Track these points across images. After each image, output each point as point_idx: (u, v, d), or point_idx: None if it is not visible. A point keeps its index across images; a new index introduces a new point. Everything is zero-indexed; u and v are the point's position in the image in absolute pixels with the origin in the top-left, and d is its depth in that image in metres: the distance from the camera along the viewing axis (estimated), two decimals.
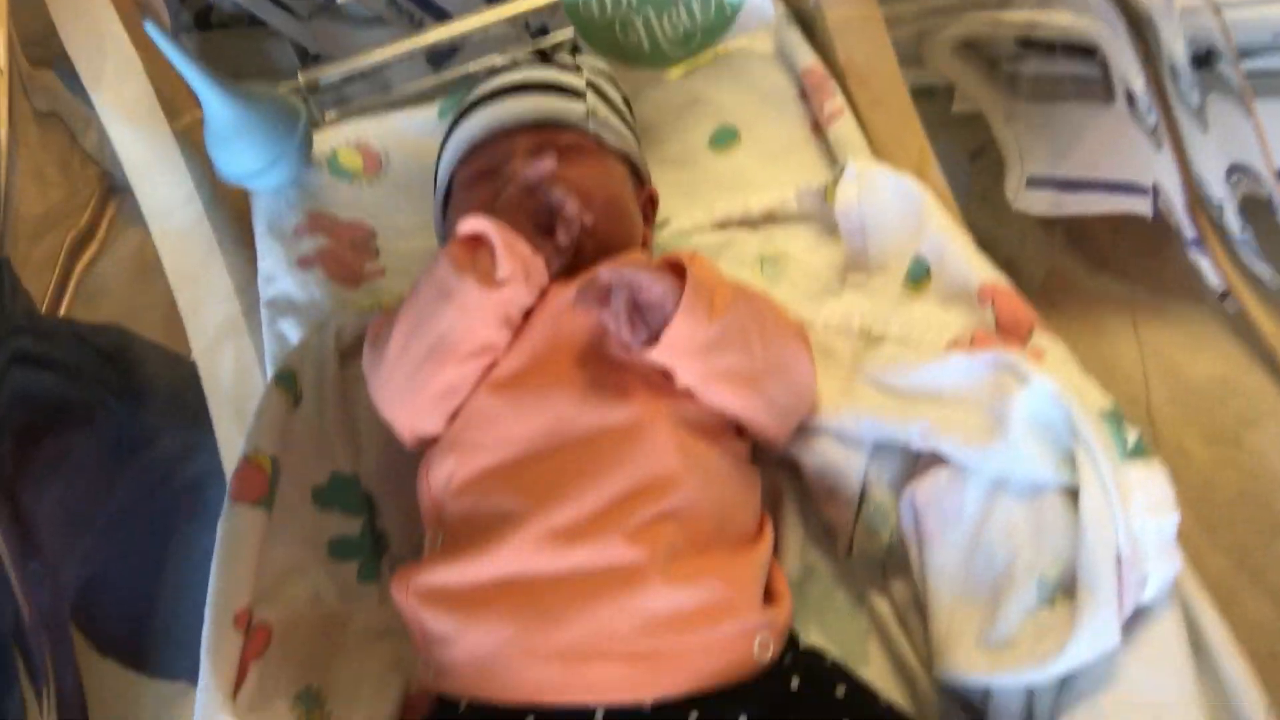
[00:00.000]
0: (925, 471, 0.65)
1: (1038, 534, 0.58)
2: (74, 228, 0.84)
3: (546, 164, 0.69)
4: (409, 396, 0.63)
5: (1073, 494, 0.57)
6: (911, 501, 0.65)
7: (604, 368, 0.62)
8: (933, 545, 0.63)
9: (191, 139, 0.89)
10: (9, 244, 0.78)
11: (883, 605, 0.67)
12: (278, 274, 0.85)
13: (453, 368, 0.62)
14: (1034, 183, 0.81)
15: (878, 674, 0.65)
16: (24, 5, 0.81)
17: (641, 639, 0.55)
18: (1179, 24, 0.64)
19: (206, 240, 0.86)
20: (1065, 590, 0.56)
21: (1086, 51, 0.73)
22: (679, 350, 0.59)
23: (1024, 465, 0.58)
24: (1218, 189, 0.63)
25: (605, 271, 0.59)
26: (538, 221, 0.67)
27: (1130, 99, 0.68)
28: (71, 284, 0.91)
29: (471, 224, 0.63)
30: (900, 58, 0.89)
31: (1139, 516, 0.53)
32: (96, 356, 0.80)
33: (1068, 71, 0.76)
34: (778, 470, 0.73)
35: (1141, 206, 0.67)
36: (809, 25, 1.00)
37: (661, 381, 0.63)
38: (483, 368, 0.63)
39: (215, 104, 0.80)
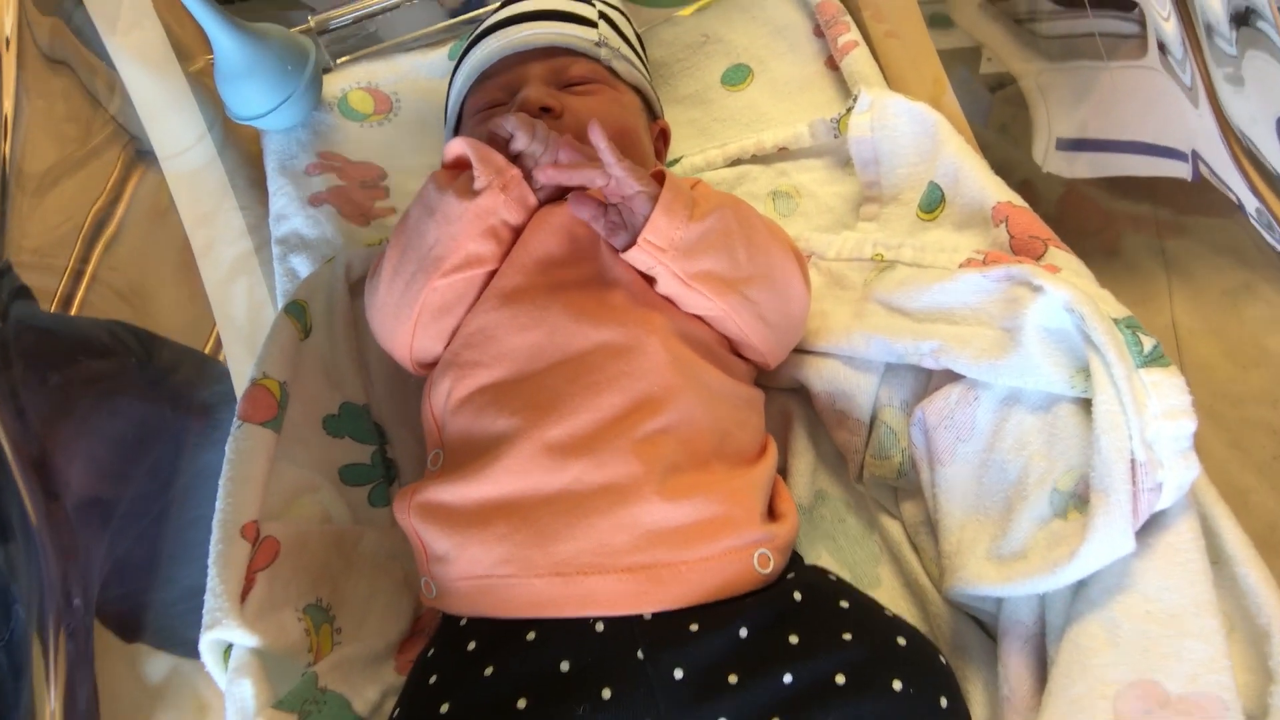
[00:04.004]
0: (936, 390, 0.64)
1: (1050, 445, 0.57)
2: (97, 194, 0.85)
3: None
4: (403, 313, 0.63)
5: (1087, 406, 0.56)
6: (922, 420, 0.64)
7: (600, 285, 0.62)
8: (944, 462, 0.62)
9: (204, 82, 0.89)
10: (14, 199, 0.77)
11: (894, 528, 0.66)
12: (289, 212, 0.85)
13: (440, 280, 0.62)
14: (1064, 144, 0.79)
15: (889, 596, 0.65)
16: None
17: (639, 552, 0.55)
18: None
19: (219, 180, 0.86)
20: (1079, 502, 0.55)
21: (1121, 5, 0.71)
22: (656, 248, 0.59)
23: (1037, 377, 0.57)
24: (1268, 142, 0.61)
25: (596, 131, 0.59)
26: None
27: (1163, 50, 0.65)
28: (98, 249, 0.91)
29: (452, 146, 0.64)
30: (927, 19, 0.87)
31: (1155, 422, 0.51)
32: (104, 350, 0.79)
33: (1100, 28, 0.74)
34: (787, 396, 0.73)
35: (1179, 170, 0.64)
36: None
37: (657, 298, 0.63)
38: (472, 281, 0.63)
39: (224, 42, 0.80)
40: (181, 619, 0.57)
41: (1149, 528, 0.52)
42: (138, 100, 0.85)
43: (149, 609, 0.68)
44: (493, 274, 0.65)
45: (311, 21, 0.94)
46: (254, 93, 0.84)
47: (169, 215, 0.88)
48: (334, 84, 0.94)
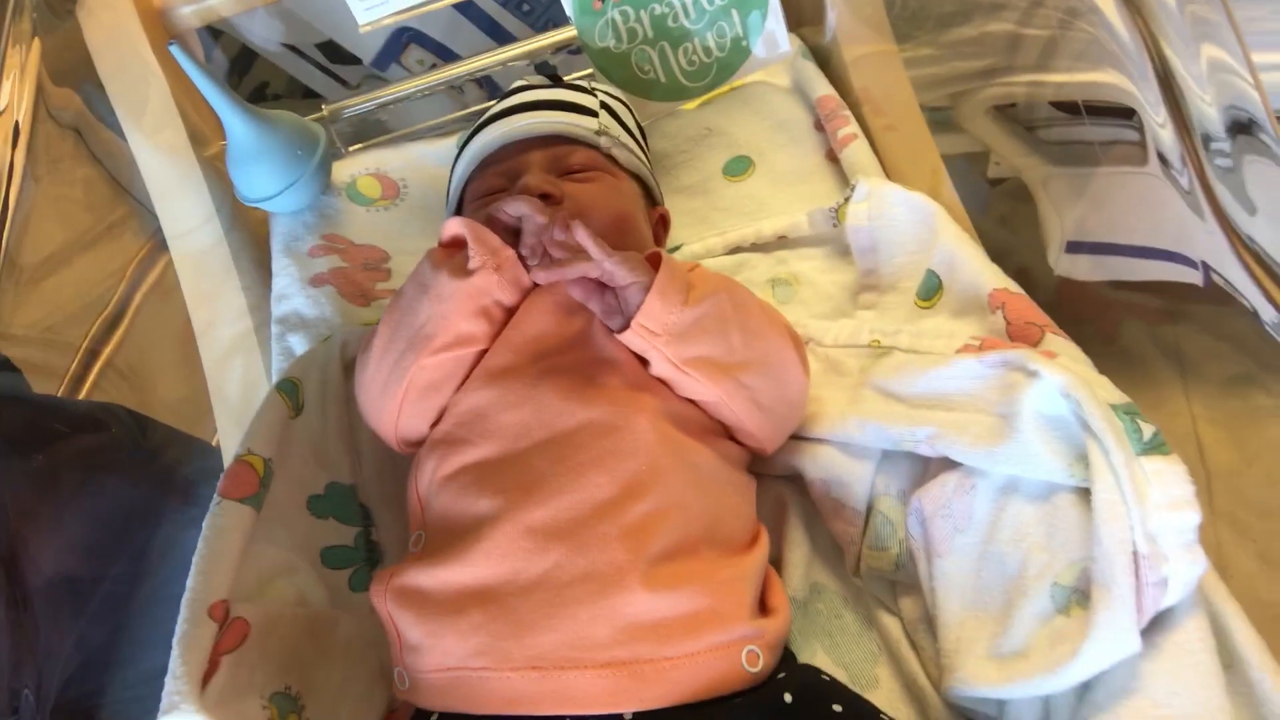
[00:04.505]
0: (933, 478, 0.62)
1: (1050, 537, 0.55)
2: (111, 274, 0.86)
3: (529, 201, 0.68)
4: (390, 390, 0.63)
5: (1088, 496, 0.54)
6: (919, 509, 0.61)
7: (592, 365, 0.61)
8: (941, 554, 0.60)
9: (217, 167, 0.91)
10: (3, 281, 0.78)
11: (893, 625, 0.63)
12: (290, 292, 0.86)
13: (429, 358, 0.61)
14: (1074, 247, 0.79)
15: (887, 699, 0.61)
16: (55, 30, 0.85)
17: (619, 647, 0.52)
18: (1210, 87, 0.62)
19: (223, 260, 0.87)
20: (1081, 598, 0.52)
21: (1122, 114, 0.72)
22: (650, 332, 0.59)
23: (1034, 464, 0.55)
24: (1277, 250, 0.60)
25: (580, 231, 0.59)
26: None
27: (1163, 160, 0.66)
28: (108, 328, 0.92)
29: (449, 226, 0.65)
30: (934, 124, 0.89)
31: (1157, 512, 0.49)
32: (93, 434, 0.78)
33: (1102, 135, 0.75)
34: (782, 484, 0.71)
35: (1189, 276, 0.64)
36: (825, 60, 1.01)
37: (650, 380, 0.62)
38: (461, 360, 0.63)
39: (236, 124, 0.83)
40: (139, 705, 0.55)
41: (1156, 627, 0.50)
42: (150, 182, 0.87)
43: (108, 696, 0.65)
44: (484, 353, 0.64)
45: (325, 109, 0.97)
46: (262, 176, 0.86)
47: (175, 294, 0.89)
48: (344, 170, 0.96)
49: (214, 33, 1.32)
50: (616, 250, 0.72)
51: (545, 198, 0.72)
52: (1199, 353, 0.62)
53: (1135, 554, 0.49)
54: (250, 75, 1.47)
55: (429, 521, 0.61)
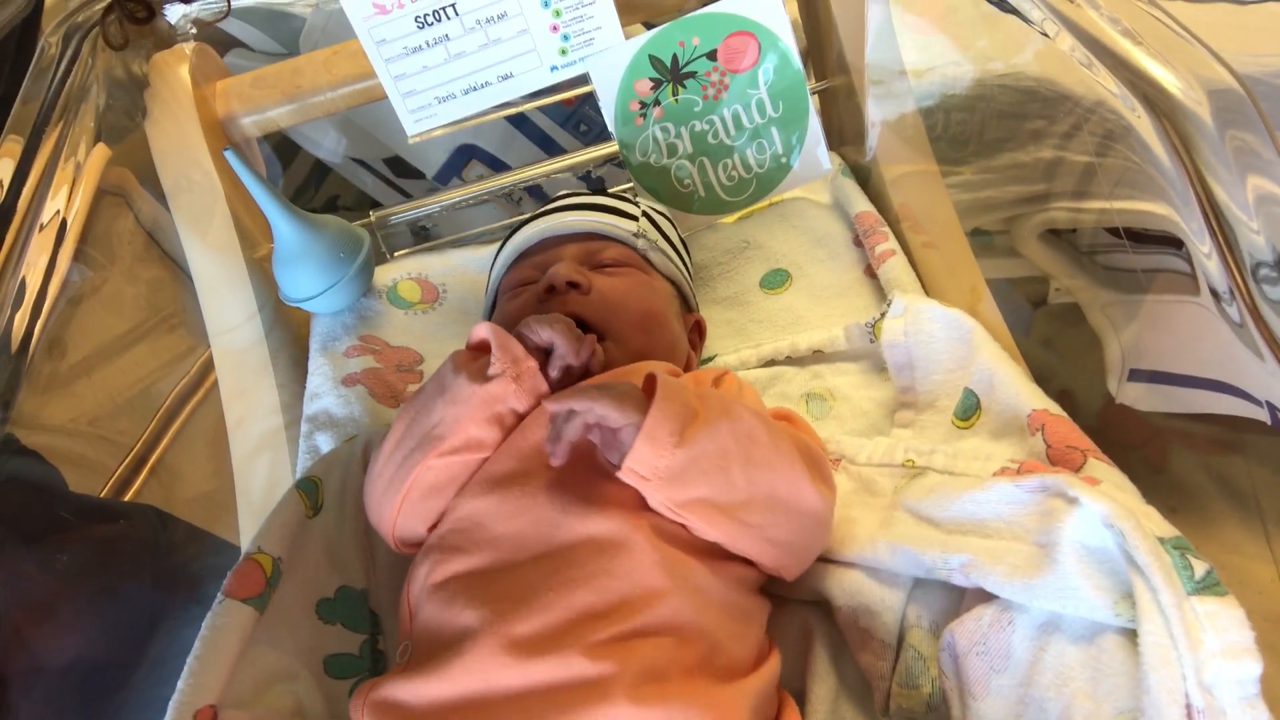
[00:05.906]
0: (968, 611, 0.58)
1: (1095, 683, 0.50)
2: (161, 369, 0.88)
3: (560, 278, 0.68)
4: (394, 488, 0.62)
5: (1135, 638, 0.49)
6: (952, 645, 0.57)
7: (595, 477, 0.59)
8: (976, 696, 0.55)
9: (264, 269, 0.94)
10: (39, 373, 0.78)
11: None
12: (322, 391, 0.86)
13: (437, 459, 0.61)
14: (1135, 375, 0.76)
15: None
16: (127, 137, 0.90)
17: None
18: (1258, 217, 0.60)
19: (261, 358, 0.88)
20: None
21: (1172, 242, 0.71)
22: (641, 477, 0.55)
23: (1075, 601, 0.51)
24: None
25: (550, 404, 0.56)
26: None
27: (1215, 294, 0.64)
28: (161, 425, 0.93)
29: (477, 330, 0.65)
30: (989, 249, 0.87)
31: (1212, 660, 0.45)
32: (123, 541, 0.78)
33: (1155, 263, 0.73)
34: (809, 610, 0.67)
35: (1255, 413, 0.60)
36: (864, 178, 1.01)
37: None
38: (468, 466, 0.62)
39: (282, 226, 0.85)
40: None
41: None
42: (198, 281, 0.89)
43: None
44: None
45: (372, 215, 0.99)
46: (304, 277, 0.88)
47: (214, 392, 0.90)
48: (387, 274, 0.98)
49: (288, 150, 1.39)
50: (642, 347, 0.71)
51: (573, 286, 0.73)
52: (1269, 490, 0.57)
53: (1189, 707, 0.44)
54: (322, 189, 1.54)
55: (415, 631, 0.58)
